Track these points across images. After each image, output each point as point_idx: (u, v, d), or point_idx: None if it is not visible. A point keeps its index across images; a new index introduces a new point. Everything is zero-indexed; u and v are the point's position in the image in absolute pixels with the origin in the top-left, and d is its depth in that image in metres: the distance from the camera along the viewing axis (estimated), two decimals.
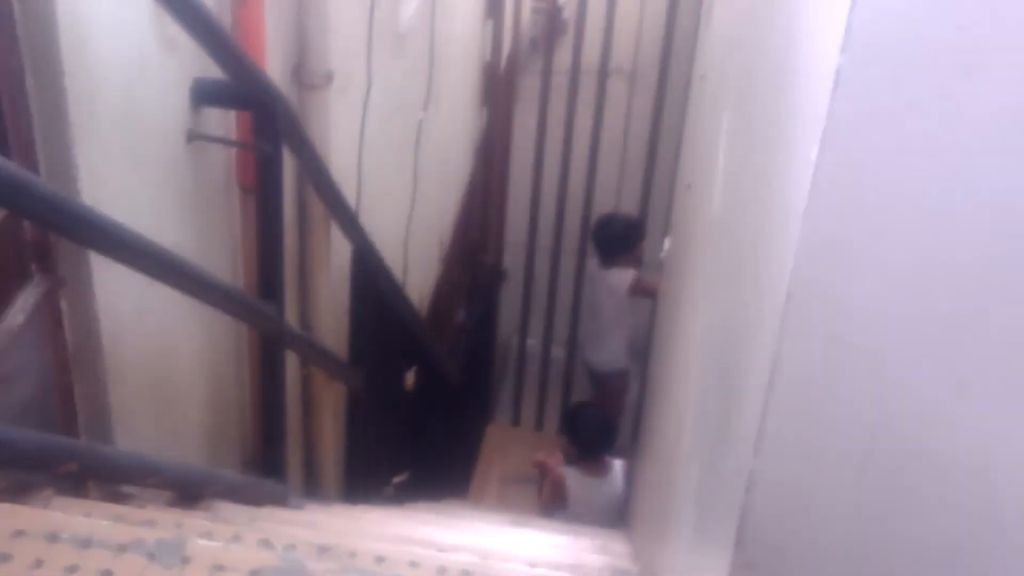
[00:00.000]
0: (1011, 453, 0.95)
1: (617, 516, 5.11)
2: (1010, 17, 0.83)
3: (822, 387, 0.96)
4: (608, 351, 5.87)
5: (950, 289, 0.90)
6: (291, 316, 2.62)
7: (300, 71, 2.71)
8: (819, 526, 1.01)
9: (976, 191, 0.87)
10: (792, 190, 0.97)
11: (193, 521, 1.76)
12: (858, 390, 0.95)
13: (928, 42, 0.84)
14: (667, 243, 4.73)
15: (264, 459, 2.52)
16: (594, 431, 5.14)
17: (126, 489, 1.93)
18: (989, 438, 0.94)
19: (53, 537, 1.42)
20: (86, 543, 1.43)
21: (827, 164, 0.88)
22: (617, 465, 5.14)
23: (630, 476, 5.05)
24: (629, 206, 6.59)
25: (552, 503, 5.11)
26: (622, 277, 5.53)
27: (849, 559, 1.01)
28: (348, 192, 3.01)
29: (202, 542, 1.54)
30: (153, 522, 1.68)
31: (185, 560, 1.47)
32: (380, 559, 1.77)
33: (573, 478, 5.07)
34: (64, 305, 1.77)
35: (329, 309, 3.03)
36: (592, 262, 5.81)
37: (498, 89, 6.07)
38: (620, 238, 5.57)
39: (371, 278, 3.27)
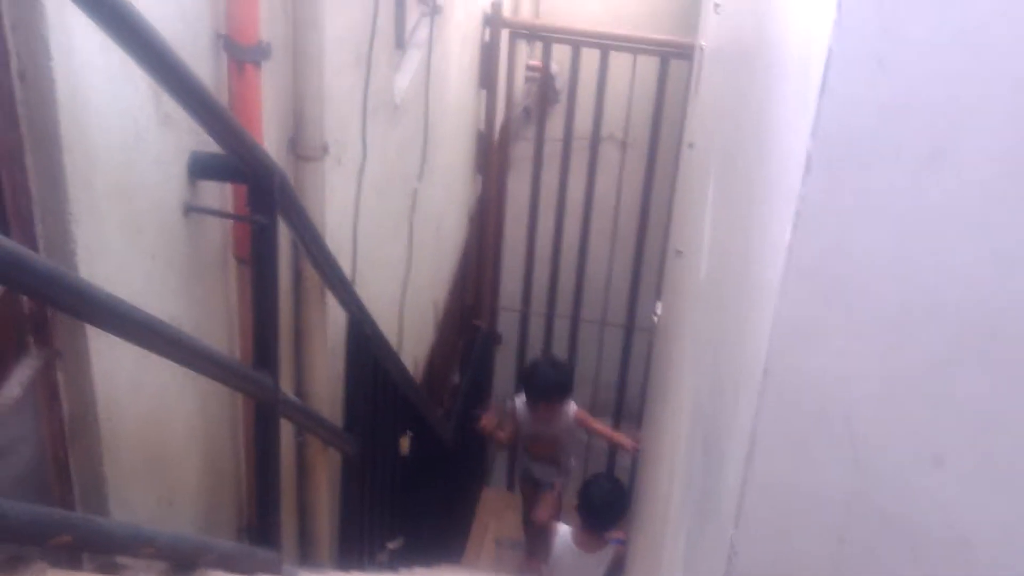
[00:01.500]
0: (987, 525, 0.97)
1: None
2: (975, 104, 0.87)
3: (799, 461, 0.98)
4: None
5: (922, 365, 0.93)
6: (286, 384, 2.63)
7: (296, 143, 2.76)
8: None
9: (944, 273, 0.90)
10: (767, 268, 1.01)
11: None
12: (834, 464, 0.97)
13: (896, 128, 0.88)
14: (659, 307, 4.77)
15: (258, 526, 2.52)
16: (604, 504, 5.08)
17: (120, 560, 1.94)
18: (965, 510, 0.97)
19: None
20: None
21: (800, 245, 0.91)
22: (612, 550, 5.09)
23: (618, 567, 5.01)
24: (622, 270, 6.63)
25: (537, 557, 5.12)
26: (568, 408, 5.54)
27: None
28: (344, 261, 3.04)
29: None
30: None
31: None
32: None
33: (563, 537, 5.05)
34: (60, 377, 1.80)
35: (324, 377, 3.05)
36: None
37: (492, 157, 6.13)
38: (565, 382, 5.50)
39: (366, 346, 3.29)
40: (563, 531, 5.09)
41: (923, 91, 0.86)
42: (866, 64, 0.86)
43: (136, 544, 1.79)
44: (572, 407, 5.49)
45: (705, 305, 1.85)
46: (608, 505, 5.12)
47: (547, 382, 5.30)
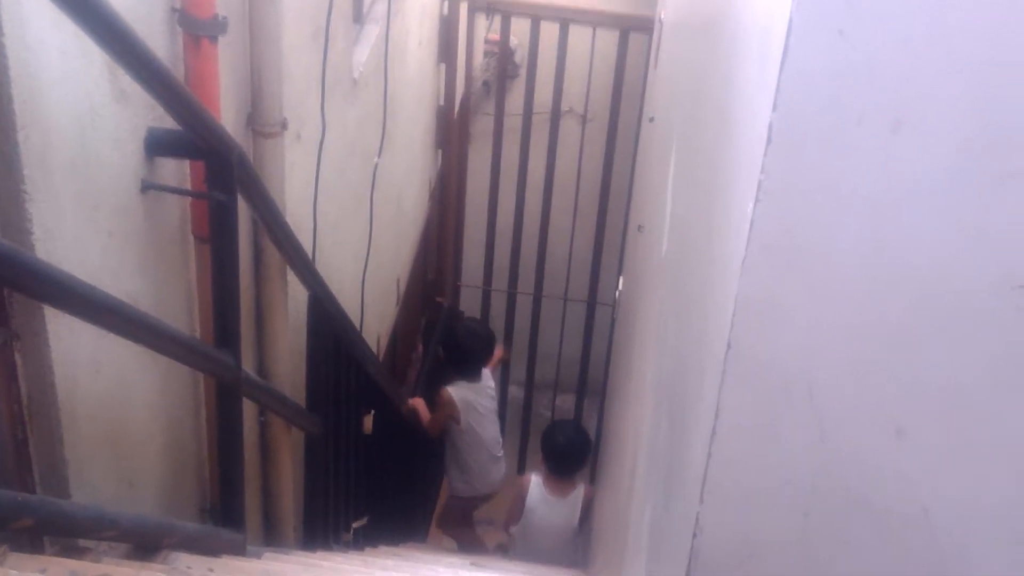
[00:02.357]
0: (947, 496, 0.98)
1: (567, 542, 5.14)
2: (937, 72, 0.87)
3: (763, 435, 0.98)
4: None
5: (885, 338, 0.94)
6: (248, 363, 2.61)
7: (254, 119, 2.73)
8: (766, 571, 1.03)
9: (909, 243, 0.91)
10: (730, 241, 1.00)
11: (151, 574, 1.75)
12: (798, 438, 0.98)
13: (858, 99, 0.88)
14: (621, 282, 4.78)
15: (222, 507, 2.51)
16: (564, 450, 5.18)
17: (83, 543, 1.92)
18: (926, 482, 0.98)
19: None
20: None
21: (762, 218, 0.91)
22: (579, 491, 5.17)
23: (589, 507, 5.10)
24: (583, 246, 6.63)
25: (511, 517, 5.16)
26: (488, 373, 5.51)
27: None
28: (304, 238, 3.02)
29: None
30: None
31: None
32: None
33: (535, 486, 5.11)
34: (18, 359, 1.77)
35: (286, 356, 3.03)
36: (460, 389, 5.34)
37: (452, 132, 6.11)
38: (487, 345, 5.48)
39: (328, 323, 3.28)
40: (534, 481, 5.15)
41: (884, 60, 0.86)
42: (827, 34, 0.85)
43: (98, 527, 1.78)
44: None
45: (668, 280, 1.85)
46: (571, 449, 5.21)
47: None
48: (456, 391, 5.30)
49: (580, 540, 5.19)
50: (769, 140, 0.89)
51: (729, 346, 0.95)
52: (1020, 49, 0.84)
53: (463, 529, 5.82)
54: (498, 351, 5.97)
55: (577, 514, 5.13)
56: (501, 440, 5.64)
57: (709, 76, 1.53)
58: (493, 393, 5.50)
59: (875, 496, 0.98)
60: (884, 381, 0.95)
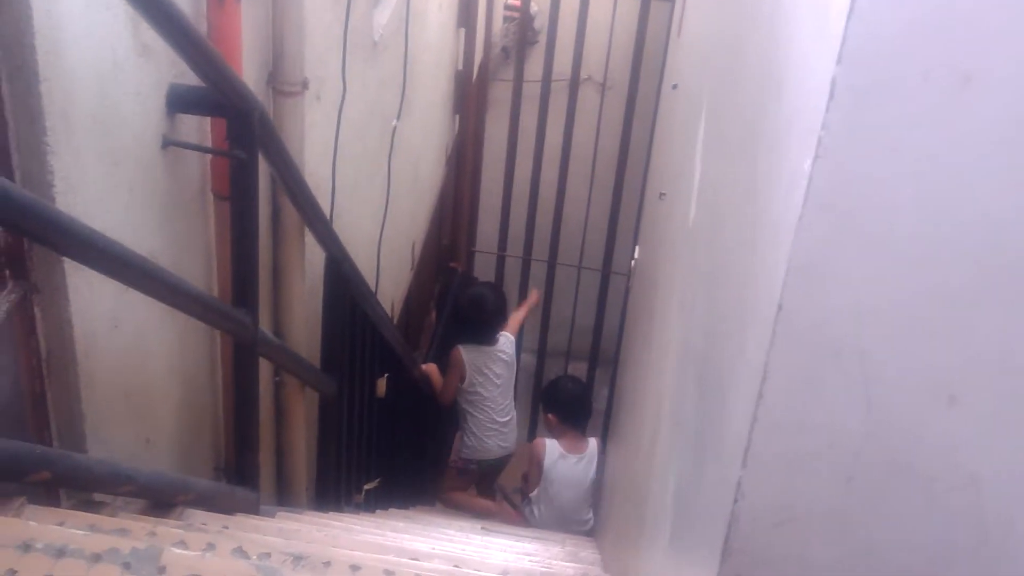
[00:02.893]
0: (997, 465, 0.95)
1: (587, 496, 5.17)
2: (1006, 27, 0.84)
3: (810, 398, 0.96)
4: (515, 426, 5.71)
5: (941, 303, 0.91)
6: (264, 323, 2.60)
7: (275, 78, 2.70)
8: (807, 536, 1.01)
9: (971, 204, 0.88)
10: (782, 201, 0.98)
11: (166, 530, 1.74)
12: (846, 401, 0.95)
13: (924, 53, 0.84)
14: (637, 251, 4.75)
15: (237, 466, 2.51)
16: (575, 398, 5.31)
17: (98, 497, 1.91)
18: (976, 450, 0.95)
19: (26, 547, 1.40)
20: (60, 553, 1.41)
21: (821, 175, 0.88)
22: (593, 444, 5.21)
23: (603, 460, 5.13)
24: (599, 214, 6.61)
25: (531, 482, 5.20)
26: (508, 339, 5.49)
27: (836, 569, 1.02)
28: (322, 199, 3.00)
29: (177, 551, 1.52)
30: (126, 531, 1.67)
31: (161, 570, 1.46)
32: (355, 568, 1.76)
33: (551, 448, 5.14)
34: (37, 312, 1.76)
35: (302, 316, 3.02)
36: (470, 351, 5.35)
37: (470, 98, 6.08)
38: (498, 309, 5.44)
39: (344, 285, 3.26)
40: (550, 444, 5.18)
41: (954, 12, 0.83)
42: None
43: (115, 482, 1.77)
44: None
45: (697, 246, 1.83)
46: (581, 396, 5.37)
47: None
48: (467, 352, 5.32)
49: (595, 492, 5.23)
50: (832, 95, 0.86)
51: (780, 307, 0.92)
52: None
53: (457, 493, 5.83)
54: (534, 295, 6.09)
55: (594, 467, 5.17)
56: (511, 411, 5.59)
57: (750, 36, 1.49)
58: (509, 359, 5.46)
59: (921, 463, 0.96)
60: (938, 347, 0.92)
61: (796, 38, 1.07)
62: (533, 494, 5.25)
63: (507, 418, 5.53)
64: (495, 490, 5.91)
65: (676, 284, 2.13)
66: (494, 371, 5.37)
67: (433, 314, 6.54)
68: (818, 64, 0.90)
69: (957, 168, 0.87)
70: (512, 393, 5.61)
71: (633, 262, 4.91)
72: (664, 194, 3.12)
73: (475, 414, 5.44)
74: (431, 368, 5.38)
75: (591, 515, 5.23)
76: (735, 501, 1.00)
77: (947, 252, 0.89)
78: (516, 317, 5.79)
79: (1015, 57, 0.83)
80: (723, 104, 1.74)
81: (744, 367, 1.06)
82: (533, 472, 5.25)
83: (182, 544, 1.68)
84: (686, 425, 1.54)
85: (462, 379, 5.32)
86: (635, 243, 5.47)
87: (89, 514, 1.74)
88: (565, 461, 5.19)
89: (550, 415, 5.31)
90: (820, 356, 0.94)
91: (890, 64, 0.85)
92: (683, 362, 1.76)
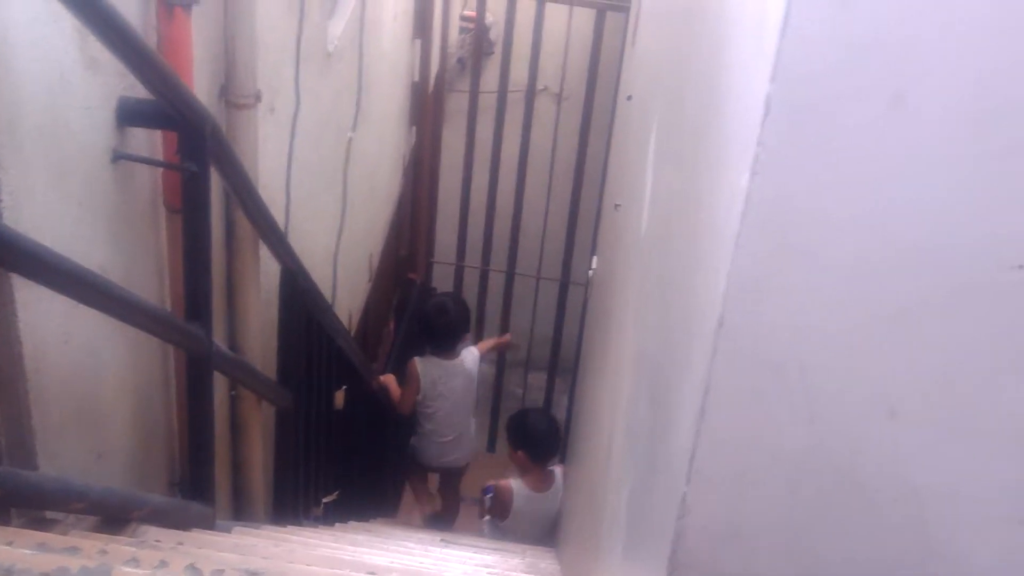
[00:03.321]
0: (938, 477, 0.97)
1: (554, 525, 5.14)
2: (939, 43, 0.85)
3: (753, 413, 0.97)
4: (470, 440, 5.75)
5: (880, 317, 0.92)
6: (219, 337, 2.59)
7: (228, 90, 2.69)
8: (753, 551, 1.02)
9: (906, 219, 0.89)
10: (722, 216, 0.98)
11: (118, 547, 1.73)
12: (789, 415, 0.96)
13: (858, 69, 0.86)
14: (594, 262, 4.76)
15: (192, 480, 2.49)
16: (545, 434, 5.13)
17: (50, 515, 1.89)
18: (917, 462, 0.96)
19: None
20: (7, 573, 1.40)
21: (758, 191, 0.89)
22: (559, 475, 5.15)
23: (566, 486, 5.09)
24: (557, 224, 6.62)
25: (498, 517, 5.14)
26: (472, 354, 5.47)
27: None
28: (277, 211, 2.99)
29: (128, 569, 1.51)
30: (77, 549, 1.65)
31: None
32: None
33: (519, 491, 5.08)
34: None
35: (258, 329, 3.01)
36: (428, 364, 5.33)
37: (426, 108, 6.08)
38: (463, 320, 5.41)
39: (300, 298, 3.25)
40: (516, 487, 5.11)
41: (886, 31, 0.84)
42: (828, 3, 0.83)
43: (66, 499, 1.75)
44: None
45: (649, 257, 1.84)
46: (549, 432, 5.18)
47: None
48: (424, 364, 5.29)
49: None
50: (767, 112, 0.87)
51: (720, 324, 0.93)
52: (1022, 20, 0.82)
53: (417, 490, 5.93)
54: (507, 337, 6.08)
55: (559, 498, 5.11)
56: (464, 428, 5.58)
57: (694, 51, 1.51)
58: (470, 375, 5.41)
59: (865, 476, 0.97)
60: (878, 360, 0.93)
61: (735, 55, 1.08)
62: (499, 522, 5.20)
63: (453, 436, 5.51)
64: (456, 493, 5.91)
65: (631, 295, 2.14)
66: (449, 386, 5.32)
67: (392, 325, 6.52)
68: (754, 82, 0.91)
69: (892, 184, 0.88)
70: (470, 409, 5.58)
71: (591, 272, 4.92)
72: (619, 205, 3.13)
73: (423, 423, 5.46)
74: (388, 379, 5.35)
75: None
76: (680, 517, 1.00)
77: (885, 266, 0.91)
78: (482, 345, 5.78)
79: (945, 76, 0.84)
80: (672, 117, 1.76)
81: (689, 382, 1.06)
82: (497, 512, 5.18)
83: (134, 562, 1.67)
84: (639, 437, 1.55)
85: (418, 391, 5.30)
86: (592, 253, 5.49)
87: (39, 532, 1.73)
88: (532, 502, 5.09)
89: (519, 452, 5.11)
90: (762, 371, 0.95)
91: (824, 82, 0.86)
92: (637, 374, 1.76)
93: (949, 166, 0.87)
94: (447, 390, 5.33)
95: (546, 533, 5.14)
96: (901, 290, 0.91)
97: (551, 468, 5.16)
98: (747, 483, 0.99)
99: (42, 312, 1.81)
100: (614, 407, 2.16)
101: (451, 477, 5.88)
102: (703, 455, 0.98)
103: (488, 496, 5.18)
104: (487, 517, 5.23)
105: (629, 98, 3.70)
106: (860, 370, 0.94)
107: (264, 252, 2.94)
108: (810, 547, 1.01)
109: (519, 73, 6.23)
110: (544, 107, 6.58)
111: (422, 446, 5.55)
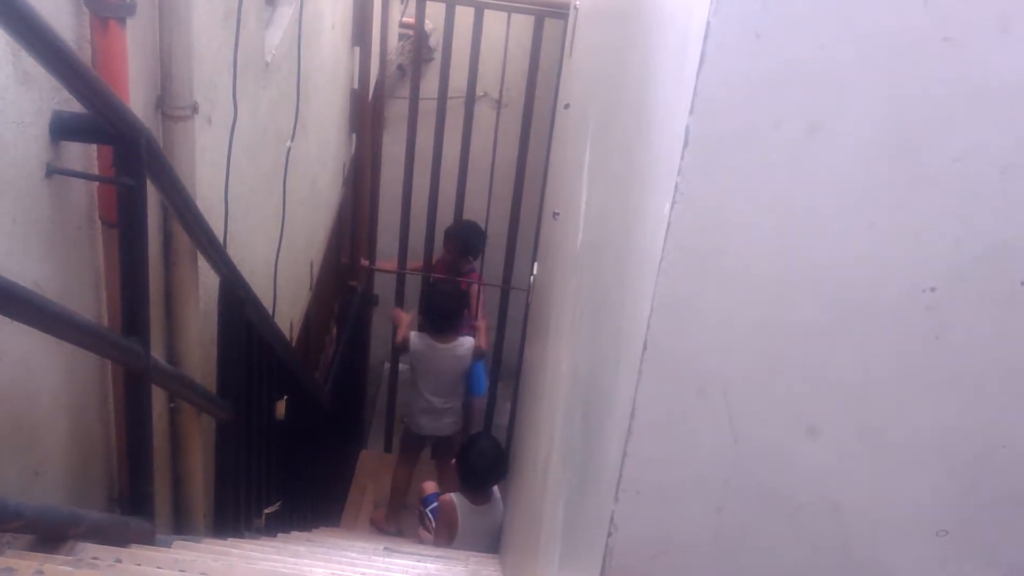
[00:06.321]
0: (858, 491, 1.00)
1: (497, 541, 5.15)
2: (852, 76, 0.88)
3: (678, 433, 0.99)
4: (453, 415, 6.12)
5: (798, 338, 0.95)
6: (157, 350, 2.57)
7: (164, 102, 2.67)
8: (682, 567, 1.04)
9: (822, 244, 0.92)
10: (647, 241, 1.01)
11: (54, 567, 1.72)
12: (713, 436, 0.99)
13: (774, 102, 0.88)
14: (535, 268, 4.79)
15: (131, 495, 2.47)
16: (491, 464, 5.17)
17: None
18: (837, 478, 0.99)
19: None
20: None
21: (680, 219, 0.92)
22: (496, 490, 5.17)
23: (505, 499, 5.10)
24: (498, 230, 6.63)
25: (445, 539, 5.13)
26: (466, 346, 5.91)
27: None
28: (215, 222, 2.97)
29: None
30: (12, 569, 1.64)
31: None
32: None
33: (462, 506, 5.09)
34: None
35: (196, 342, 2.99)
36: (421, 339, 5.90)
37: (366, 115, 6.07)
38: (458, 308, 5.94)
39: (239, 309, 3.24)
40: (459, 501, 5.12)
41: (801, 64, 0.87)
42: (744, 37, 0.86)
43: (2, 518, 1.74)
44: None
45: (584, 271, 1.86)
46: (496, 460, 5.22)
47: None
48: (417, 338, 5.81)
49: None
50: (686, 143, 0.89)
51: (645, 346, 0.96)
52: (933, 54, 0.85)
53: (403, 462, 6.25)
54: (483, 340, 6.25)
55: (501, 508, 5.13)
56: (449, 404, 6.01)
57: (626, 68, 1.53)
58: (457, 359, 5.86)
59: (787, 492, 1.00)
60: (796, 379, 0.96)
61: (659, 84, 1.11)
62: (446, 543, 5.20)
63: (441, 406, 5.98)
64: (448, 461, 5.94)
65: (567, 308, 2.16)
66: (436, 364, 5.84)
67: (334, 331, 6.50)
68: (675, 112, 0.94)
69: (808, 210, 0.91)
70: (456, 390, 6.04)
71: (532, 278, 4.94)
72: (558, 214, 3.16)
73: (413, 392, 6.01)
74: (403, 318, 6.05)
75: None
76: (609, 534, 1.02)
77: (802, 290, 0.93)
78: (481, 339, 6.10)
79: (860, 106, 0.87)
80: (604, 136, 1.78)
81: (617, 401, 1.09)
82: (449, 531, 5.17)
83: None
84: (573, 452, 1.57)
85: (405, 350, 5.87)
86: (534, 259, 5.52)
87: None
88: (474, 515, 5.12)
89: (464, 478, 5.17)
90: (687, 392, 0.98)
91: (741, 113, 0.88)
92: (573, 388, 1.78)
93: (864, 193, 0.90)
94: (432, 366, 5.87)
95: (492, 544, 5.15)
96: (819, 312, 0.94)
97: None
98: (674, 501, 1.02)
99: None
100: (552, 419, 2.18)
101: (441, 446, 6.20)
102: (630, 473, 1.00)
103: (430, 509, 5.20)
104: (431, 538, 5.24)
105: (567, 106, 3.73)
106: (779, 388, 0.97)
107: (203, 264, 2.93)
108: (737, 562, 1.03)
109: (459, 79, 6.24)
110: (484, 113, 6.59)
111: (416, 412, 6.05)
